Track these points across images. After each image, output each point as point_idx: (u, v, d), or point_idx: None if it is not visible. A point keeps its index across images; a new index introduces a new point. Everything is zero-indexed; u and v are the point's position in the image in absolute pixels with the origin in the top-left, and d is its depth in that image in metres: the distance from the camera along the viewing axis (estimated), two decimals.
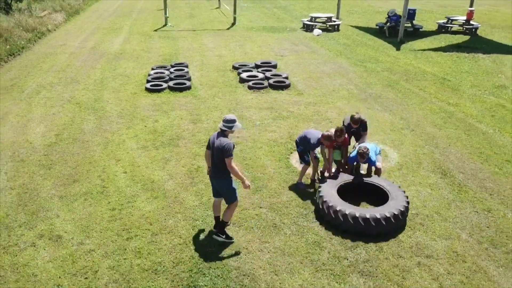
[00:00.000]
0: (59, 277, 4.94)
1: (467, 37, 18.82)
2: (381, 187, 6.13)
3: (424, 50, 16.34)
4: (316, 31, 19.37)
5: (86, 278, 4.94)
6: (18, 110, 9.96)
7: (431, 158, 7.86)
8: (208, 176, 5.65)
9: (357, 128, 7.04)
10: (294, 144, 7.41)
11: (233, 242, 5.52)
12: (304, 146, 6.67)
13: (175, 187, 6.83)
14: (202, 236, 5.69)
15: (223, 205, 5.62)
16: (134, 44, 16.96)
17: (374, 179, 6.35)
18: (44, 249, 5.40)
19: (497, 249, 5.46)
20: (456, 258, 5.29)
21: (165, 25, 20.94)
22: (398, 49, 16.57)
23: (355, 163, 6.81)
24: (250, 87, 11.51)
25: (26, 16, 18.74)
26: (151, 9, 26.24)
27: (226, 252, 5.38)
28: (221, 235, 5.55)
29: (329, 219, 5.76)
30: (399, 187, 6.25)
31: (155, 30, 19.99)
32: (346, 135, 6.74)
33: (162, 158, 7.76)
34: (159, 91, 11.19)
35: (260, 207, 6.33)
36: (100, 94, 11.13)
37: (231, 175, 5.23)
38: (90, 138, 8.51)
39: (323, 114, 9.88)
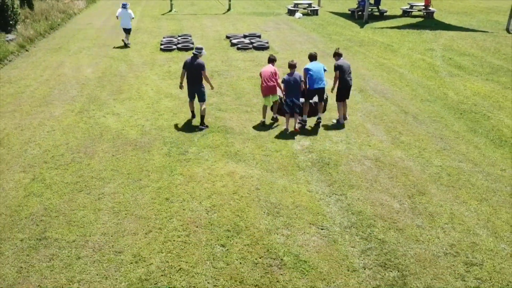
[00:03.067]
0: (122, 127, 8.83)
1: (423, 19, 22.65)
2: None
3: (382, 28, 20.19)
4: (297, 15, 23.22)
5: (137, 127, 8.82)
6: (70, 61, 13.81)
7: (356, 84, 11.70)
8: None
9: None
10: None
11: (208, 127, 8.78)
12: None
13: (185, 96, 10.62)
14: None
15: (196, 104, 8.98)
16: (147, 23, 20.82)
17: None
18: (111, 118, 9.28)
19: (377, 118, 9.34)
20: (350, 121, 9.16)
21: (171, 10, 24.78)
22: (362, 27, 20.39)
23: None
24: (238, 48, 15.39)
25: (55, 1, 22.57)
26: None
27: (218, 122, 9.24)
28: (203, 126, 8.74)
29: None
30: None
31: (163, 14, 23.83)
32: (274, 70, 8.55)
33: (175, 84, 11.60)
34: (170, 50, 15.06)
35: (239, 105, 10.20)
36: (126, 52, 14.99)
37: (203, 82, 8.53)
38: (126, 74, 12.37)
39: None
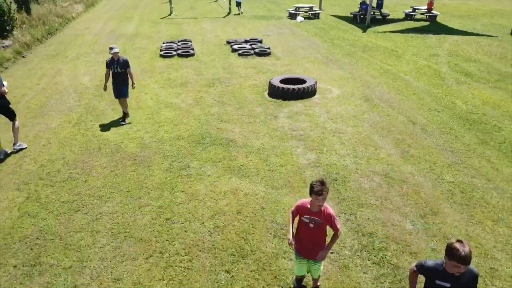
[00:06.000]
0: (122, 140, 8.52)
1: (426, 23, 22.39)
2: (303, 78, 11.07)
3: (385, 32, 19.91)
4: (299, 18, 22.95)
5: (136, 139, 8.52)
6: (67, 68, 13.51)
7: (361, 92, 11.44)
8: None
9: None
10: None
11: (130, 123, 9.35)
12: None
13: (185, 106, 10.41)
14: (205, 127, 9.22)
15: None
16: (146, 28, 20.53)
17: (299, 75, 11.20)
18: (108, 130, 8.98)
19: (384, 130, 9.05)
20: (356, 133, 8.87)
21: (170, 14, 24.50)
22: (364, 31, 20.13)
23: None
24: (239, 54, 15.10)
25: (53, 6, 22.28)
26: (156, 3, 29.79)
27: (220, 133, 8.93)
28: (125, 121, 9.35)
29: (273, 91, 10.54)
30: (314, 80, 10.94)
31: (162, 18, 23.56)
32: (330, 210, 4.09)
33: (175, 93, 11.33)
34: (170, 57, 14.77)
35: (242, 115, 9.90)
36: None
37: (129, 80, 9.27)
38: None
39: (292, 71, 13.44)
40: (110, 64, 9.13)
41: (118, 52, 9.10)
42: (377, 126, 9.24)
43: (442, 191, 6.77)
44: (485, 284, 4.88)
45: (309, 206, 4.09)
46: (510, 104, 10.56)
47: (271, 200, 6.50)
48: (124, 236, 5.63)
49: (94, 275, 4.99)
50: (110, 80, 9.27)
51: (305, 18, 23.32)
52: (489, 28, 21.11)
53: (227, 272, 5.06)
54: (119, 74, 9.20)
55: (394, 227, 5.87)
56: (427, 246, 5.48)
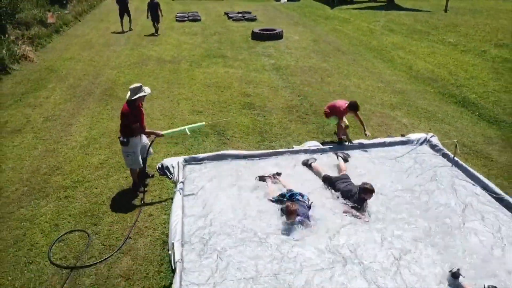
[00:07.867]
0: (160, 55, 14.38)
1: (384, 4, 28.15)
2: (274, 28, 15.81)
3: (348, 9, 25.73)
4: (283, 0, 28.77)
5: (169, 55, 14.40)
6: (113, 27, 19.36)
7: (313, 38, 17.29)
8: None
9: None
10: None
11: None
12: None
13: (197, 43, 16.26)
14: (210, 51, 15.05)
15: None
16: (162, 5, 26.24)
17: (272, 27, 16.02)
18: (152, 51, 14.86)
19: (319, 52, 14.90)
20: (301, 53, 14.71)
21: None
22: (331, 8, 25.96)
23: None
24: (233, 20, 20.98)
25: None
26: None
27: (219, 53, 14.78)
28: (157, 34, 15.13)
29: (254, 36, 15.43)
30: (281, 29, 15.92)
31: (173, 0, 29.39)
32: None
33: (189, 38, 17.19)
34: (183, 21, 20.65)
35: (233, 47, 15.74)
36: (151, 23, 20.56)
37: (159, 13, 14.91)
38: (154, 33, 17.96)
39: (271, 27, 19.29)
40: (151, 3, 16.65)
41: None
42: (315, 51, 15.12)
43: (338, 72, 12.64)
44: (340, 92, 10.74)
45: None
46: (406, 43, 16.42)
47: (245, 75, 12.37)
48: (172, 83, 11.52)
49: (161, 90, 10.88)
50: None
51: (288, 0, 29.11)
52: (433, 7, 26.84)
53: (221, 91, 10.93)
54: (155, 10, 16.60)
55: (306, 81, 11.74)
56: (319, 86, 11.36)
